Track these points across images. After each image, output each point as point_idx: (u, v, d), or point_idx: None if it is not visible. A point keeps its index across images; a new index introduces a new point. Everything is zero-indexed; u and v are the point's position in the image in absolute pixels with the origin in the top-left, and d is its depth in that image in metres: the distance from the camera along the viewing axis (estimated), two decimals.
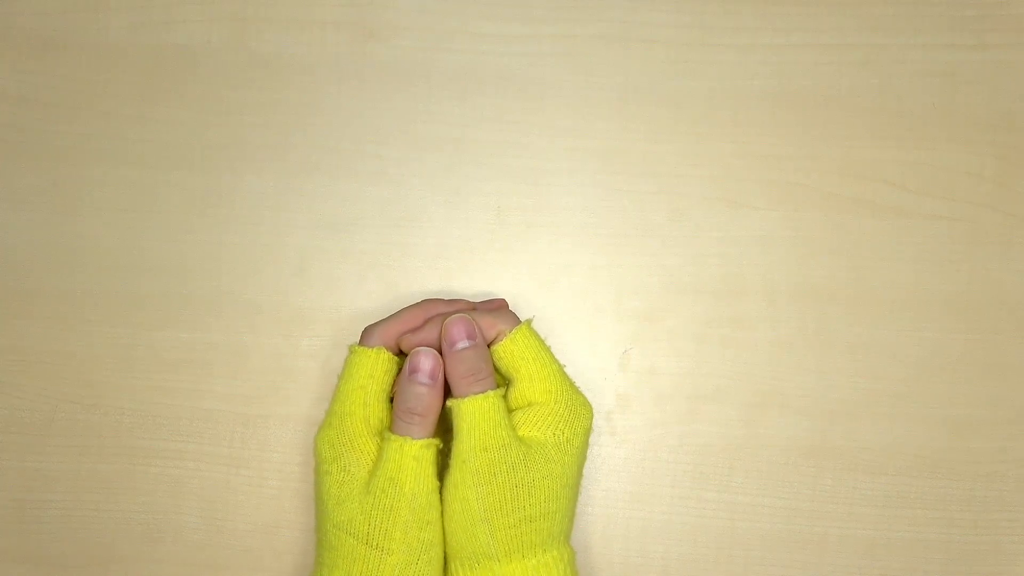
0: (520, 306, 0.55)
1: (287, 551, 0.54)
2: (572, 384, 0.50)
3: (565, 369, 0.50)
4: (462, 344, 0.48)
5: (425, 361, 0.48)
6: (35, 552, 0.54)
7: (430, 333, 0.49)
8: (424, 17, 0.56)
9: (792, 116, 0.55)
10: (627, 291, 0.55)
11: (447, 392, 0.49)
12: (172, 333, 0.54)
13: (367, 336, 0.50)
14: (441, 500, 0.48)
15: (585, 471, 0.54)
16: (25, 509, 0.54)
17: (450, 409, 0.48)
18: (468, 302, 0.52)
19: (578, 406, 0.49)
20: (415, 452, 0.47)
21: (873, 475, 0.54)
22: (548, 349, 0.50)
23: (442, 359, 0.48)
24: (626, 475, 0.54)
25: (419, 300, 0.52)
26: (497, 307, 0.51)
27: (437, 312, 0.50)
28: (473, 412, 0.47)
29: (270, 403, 0.54)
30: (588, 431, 0.49)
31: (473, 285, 0.55)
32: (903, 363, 0.55)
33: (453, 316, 0.49)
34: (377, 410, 0.49)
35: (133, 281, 0.55)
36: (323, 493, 0.48)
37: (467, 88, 0.56)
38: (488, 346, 0.49)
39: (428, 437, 0.48)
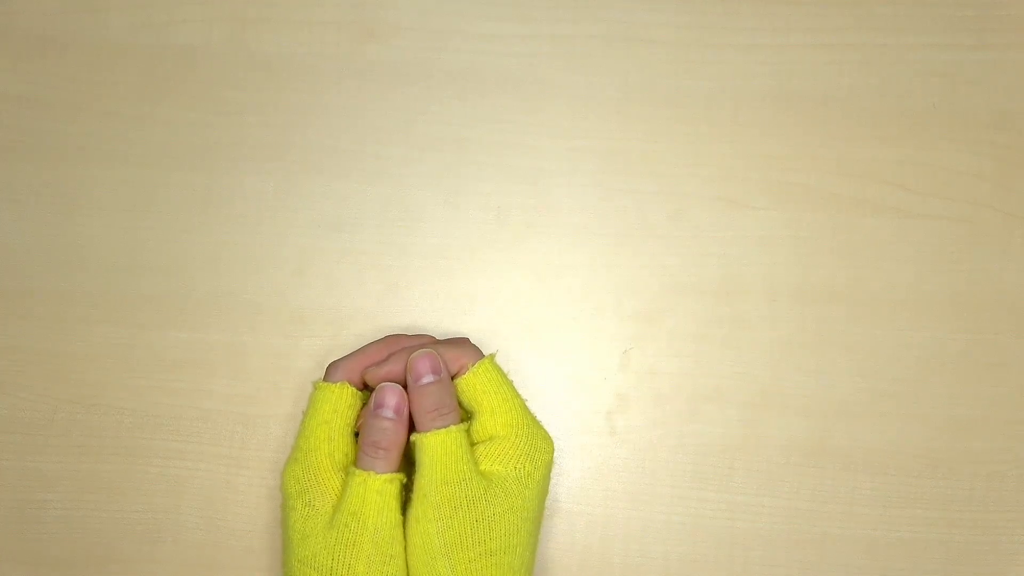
0: (520, 306, 0.55)
1: None
2: (533, 418, 0.50)
3: (527, 403, 0.50)
4: (427, 379, 0.48)
5: (391, 396, 0.48)
6: (35, 552, 0.54)
7: (395, 366, 0.49)
8: (424, 17, 0.56)
9: (792, 116, 0.55)
10: (627, 291, 0.55)
11: (411, 427, 0.49)
12: (172, 333, 0.54)
13: (331, 372, 0.50)
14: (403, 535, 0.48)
15: (585, 471, 0.54)
16: (25, 509, 0.54)
17: (413, 443, 0.48)
18: (432, 337, 0.51)
19: (539, 440, 0.49)
20: (378, 486, 0.47)
21: (873, 475, 0.54)
22: (510, 383, 0.50)
23: (407, 394, 0.48)
24: (626, 475, 0.54)
25: (383, 336, 0.52)
26: (461, 342, 0.51)
27: (401, 347, 0.50)
28: (435, 446, 0.47)
29: (270, 403, 0.54)
30: (549, 465, 0.49)
31: (473, 285, 0.55)
32: (903, 363, 0.54)
33: (418, 351, 0.49)
34: (342, 445, 0.49)
35: (133, 281, 0.55)
36: (288, 528, 0.48)
37: (467, 88, 0.56)
38: (452, 379, 0.49)
39: (392, 472, 0.47)
